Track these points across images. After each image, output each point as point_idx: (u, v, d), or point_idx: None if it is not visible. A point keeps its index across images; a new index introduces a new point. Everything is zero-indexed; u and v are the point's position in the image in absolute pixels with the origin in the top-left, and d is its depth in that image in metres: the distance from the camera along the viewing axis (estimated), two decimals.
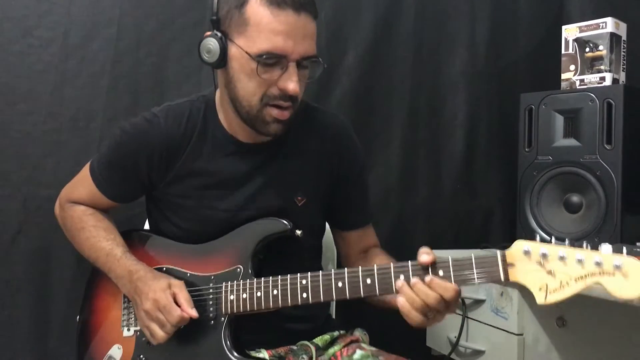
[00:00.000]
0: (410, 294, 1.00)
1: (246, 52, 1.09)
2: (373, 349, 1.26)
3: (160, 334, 1.13)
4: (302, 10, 1.08)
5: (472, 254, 1.00)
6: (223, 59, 1.13)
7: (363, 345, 1.28)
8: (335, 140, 1.30)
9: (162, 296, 1.13)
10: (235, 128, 1.23)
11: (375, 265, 1.06)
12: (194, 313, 1.12)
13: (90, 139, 1.62)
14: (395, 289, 1.02)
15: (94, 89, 1.64)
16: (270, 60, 1.09)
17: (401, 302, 1.01)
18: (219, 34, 1.12)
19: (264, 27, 1.07)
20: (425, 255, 1.01)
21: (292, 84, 1.10)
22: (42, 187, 1.57)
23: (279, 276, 1.12)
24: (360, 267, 1.07)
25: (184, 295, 1.14)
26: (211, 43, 1.12)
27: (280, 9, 1.07)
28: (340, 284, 1.07)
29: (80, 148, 1.61)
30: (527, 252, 0.95)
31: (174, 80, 1.71)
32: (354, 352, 1.24)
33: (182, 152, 1.23)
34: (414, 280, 1.00)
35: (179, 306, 1.13)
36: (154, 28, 1.69)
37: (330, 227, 1.41)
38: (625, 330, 1.57)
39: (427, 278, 0.99)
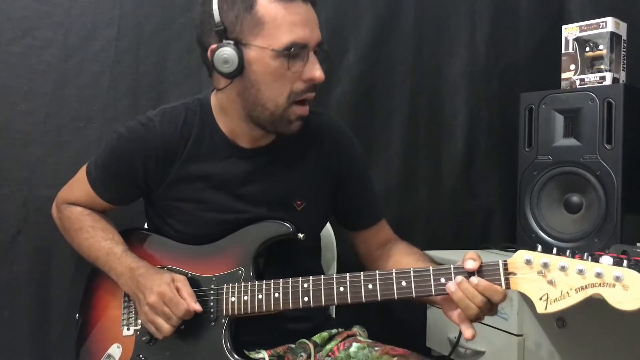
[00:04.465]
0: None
1: (271, 50, 1.09)
2: (369, 340, 1.26)
3: (166, 327, 1.13)
4: None
5: None
6: (241, 66, 1.11)
7: (359, 338, 1.28)
8: (333, 142, 1.30)
9: (167, 289, 1.13)
10: (236, 132, 1.22)
11: (377, 271, 1.06)
12: (198, 307, 1.13)
13: (90, 139, 1.61)
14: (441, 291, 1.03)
15: (94, 89, 1.63)
16: (296, 52, 1.09)
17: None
18: (231, 42, 1.10)
19: (282, 21, 1.08)
20: (470, 261, 1.01)
21: (318, 71, 1.12)
22: (42, 187, 1.56)
23: (281, 279, 1.13)
24: (362, 272, 1.07)
25: (187, 290, 1.14)
26: (227, 52, 1.09)
27: (290, 1, 1.09)
28: (342, 289, 1.08)
29: (80, 148, 1.60)
30: (528, 262, 0.96)
31: (174, 80, 1.71)
32: (350, 345, 1.24)
33: (179, 156, 1.22)
34: (459, 279, 1.00)
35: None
36: (154, 28, 1.69)
37: (345, 229, 1.39)
38: (625, 332, 1.57)
39: (474, 280, 0.99)
